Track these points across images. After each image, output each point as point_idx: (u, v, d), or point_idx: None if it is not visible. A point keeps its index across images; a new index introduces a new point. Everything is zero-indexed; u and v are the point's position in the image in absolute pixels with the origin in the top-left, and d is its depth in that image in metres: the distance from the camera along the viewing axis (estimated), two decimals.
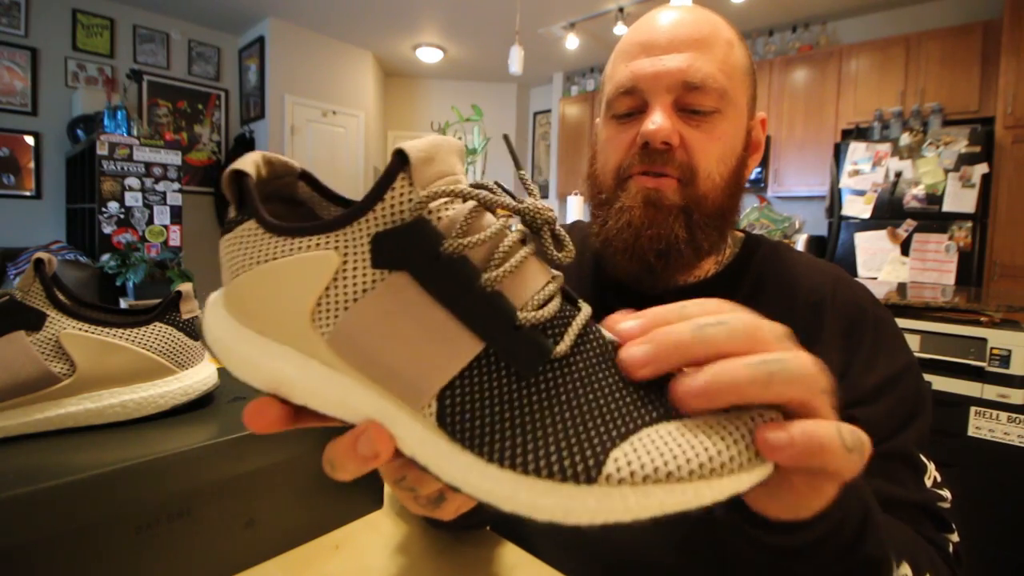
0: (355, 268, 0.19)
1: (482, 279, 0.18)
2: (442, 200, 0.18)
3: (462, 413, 0.18)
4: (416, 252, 0.18)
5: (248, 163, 0.22)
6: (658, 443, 0.17)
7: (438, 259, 0.18)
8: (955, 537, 0.43)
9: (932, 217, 2.94)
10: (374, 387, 0.19)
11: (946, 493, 0.44)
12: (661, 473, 0.16)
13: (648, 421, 0.17)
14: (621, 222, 0.49)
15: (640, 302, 0.55)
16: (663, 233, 0.48)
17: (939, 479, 0.44)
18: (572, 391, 0.18)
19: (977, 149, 2.82)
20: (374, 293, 0.18)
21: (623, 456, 0.16)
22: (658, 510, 0.16)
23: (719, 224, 0.50)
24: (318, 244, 0.19)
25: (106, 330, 0.40)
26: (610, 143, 0.52)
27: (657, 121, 0.46)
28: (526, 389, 0.18)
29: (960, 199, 2.85)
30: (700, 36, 0.47)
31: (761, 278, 0.53)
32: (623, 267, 0.51)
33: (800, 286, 0.51)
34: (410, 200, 0.18)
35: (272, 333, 0.20)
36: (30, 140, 3.63)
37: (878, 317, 0.49)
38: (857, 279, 0.62)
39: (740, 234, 0.58)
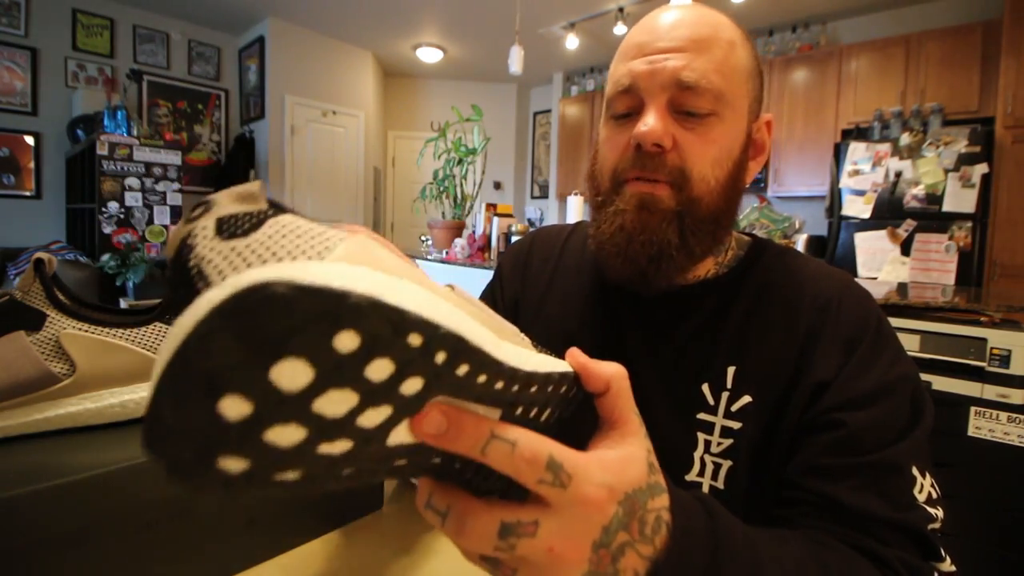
0: None
1: None
2: None
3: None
4: None
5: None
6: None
7: None
8: (947, 567, 0.39)
9: (932, 217, 2.94)
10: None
11: (938, 512, 0.41)
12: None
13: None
14: (614, 226, 0.49)
15: (650, 307, 0.55)
16: (655, 238, 0.48)
17: (935, 495, 0.42)
18: None
19: (977, 149, 2.82)
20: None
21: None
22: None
23: (712, 228, 0.50)
24: None
25: (106, 330, 0.40)
26: (607, 143, 0.52)
27: (649, 123, 0.46)
28: None
29: (960, 199, 2.85)
30: (698, 36, 0.47)
31: (767, 281, 0.52)
32: (616, 270, 0.51)
33: (807, 289, 0.51)
34: None
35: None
36: (30, 140, 3.63)
37: (881, 328, 0.49)
38: (858, 279, 0.61)
39: (747, 238, 0.58)
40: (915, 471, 0.42)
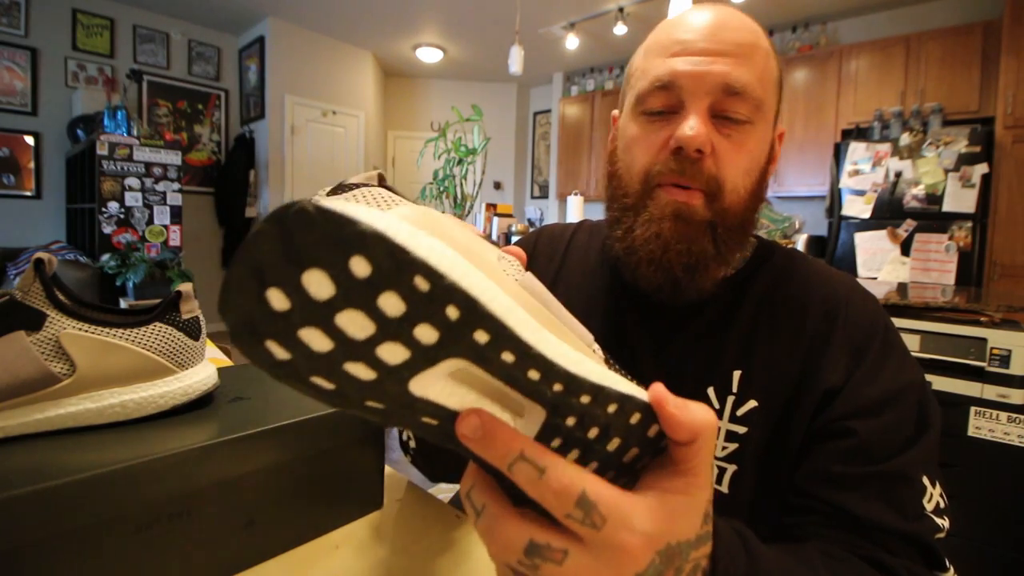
0: None
1: None
2: None
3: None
4: None
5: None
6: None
7: None
8: None
9: (932, 217, 2.94)
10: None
11: (944, 522, 0.42)
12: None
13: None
14: (650, 233, 0.48)
15: (657, 309, 0.54)
16: (693, 248, 0.47)
17: (942, 504, 0.43)
18: None
19: (977, 149, 2.82)
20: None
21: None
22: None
23: (740, 237, 0.50)
24: None
25: (106, 330, 0.40)
26: (639, 142, 0.50)
27: (694, 127, 0.45)
28: None
29: (960, 199, 2.85)
30: (744, 42, 0.46)
31: (773, 284, 0.52)
32: (647, 277, 0.50)
33: (814, 293, 0.51)
34: None
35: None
36: (30, 140, 3.63)
37: (889, 333, 0.49)
38: (859, 279, 0.61)
39: (752, 239, 0.57)
40: (925, 480, 0.42)
